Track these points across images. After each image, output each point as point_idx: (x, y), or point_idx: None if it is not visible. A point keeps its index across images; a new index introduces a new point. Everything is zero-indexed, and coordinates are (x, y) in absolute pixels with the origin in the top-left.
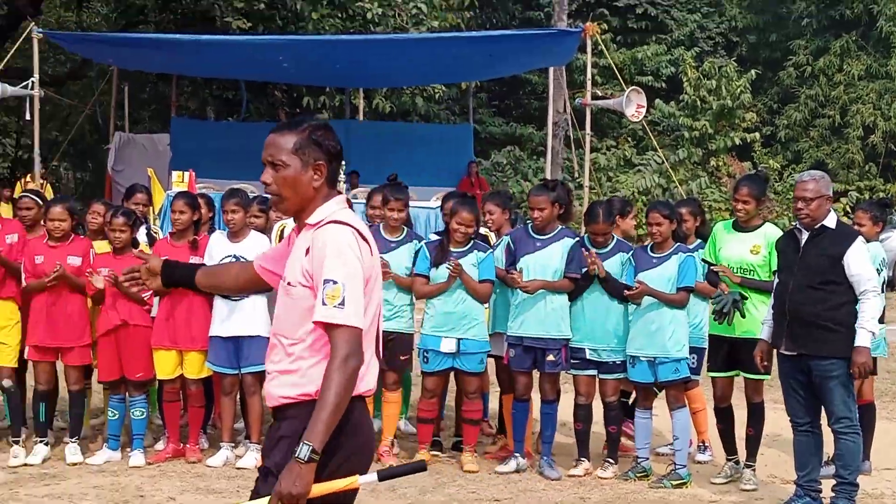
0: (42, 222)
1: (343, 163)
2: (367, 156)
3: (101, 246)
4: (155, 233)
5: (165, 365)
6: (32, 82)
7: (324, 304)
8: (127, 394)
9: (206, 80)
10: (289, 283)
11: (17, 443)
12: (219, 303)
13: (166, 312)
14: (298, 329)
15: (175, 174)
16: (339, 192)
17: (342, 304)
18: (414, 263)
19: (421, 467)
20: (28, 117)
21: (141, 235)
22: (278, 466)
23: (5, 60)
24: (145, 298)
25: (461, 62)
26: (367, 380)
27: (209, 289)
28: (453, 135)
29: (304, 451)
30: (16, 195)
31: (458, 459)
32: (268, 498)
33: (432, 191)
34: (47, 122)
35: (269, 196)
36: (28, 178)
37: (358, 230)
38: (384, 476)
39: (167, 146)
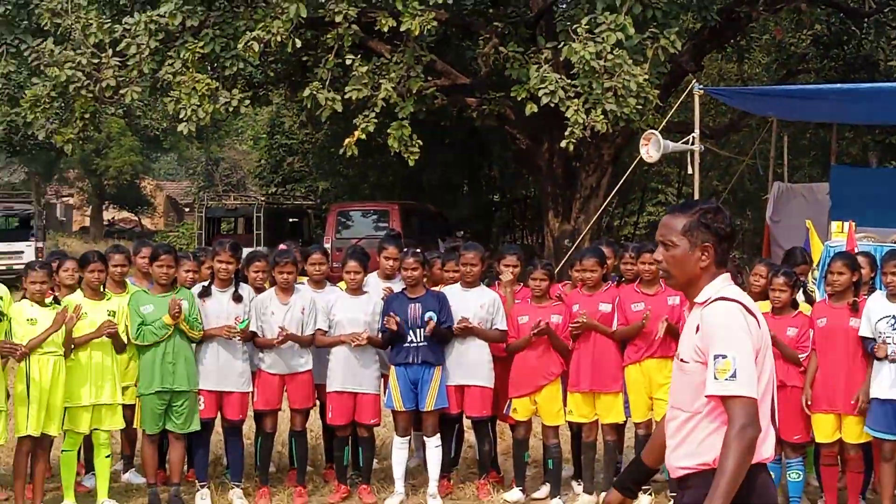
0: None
1: None
2: None
3: None
4: (811, 291)
5: (824, 428)
6: (693, 137)
7: (715, 378)
8: (783, 456)
9: (869, 125)
10: (682, 360)
11: None
12: (877, 365)
13: (823, 374)
14: (694, 402)
15: (834, 224)
16: (728, 271)
17: (733, 376)
18: None
19: None
20: (689, 170)
21: (799, 295)
22: None
23: (668, 116)
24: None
25: None
26: (767, 446)
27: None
28: None
29: None
30: None
31: None
32: None
33: None
34: (707, 172)
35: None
36: None
37: (744, 305)
38: None
39: (826, 195)
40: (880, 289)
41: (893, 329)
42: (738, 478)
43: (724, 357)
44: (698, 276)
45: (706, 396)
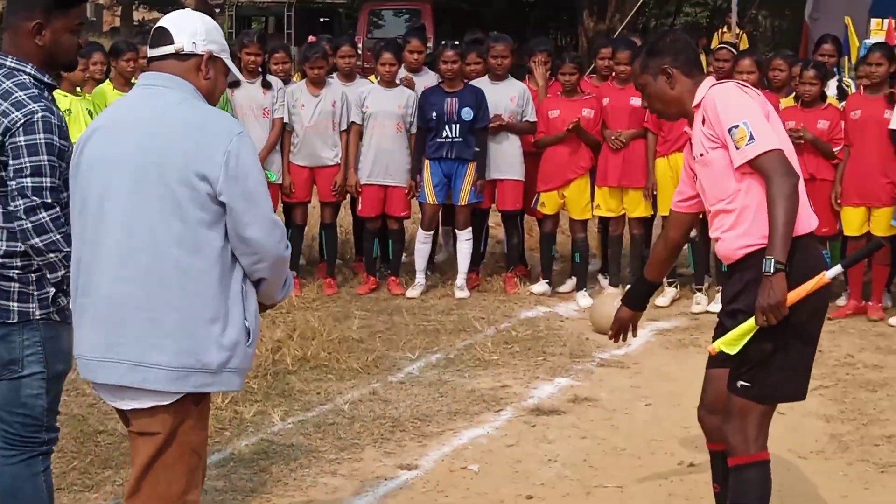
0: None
1: None
2: None
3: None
4: (846, 86)
5: (853, 221)
6: None
7: (737, 148)
8: None
9: None
10: (700, 156)
11: (699, 290)
12: None
13: (855, 167)
14: (728, 188)
15: (874, 21)
16: (711, 75)
17: (751, 138)
18: None
19: (879, 245)
20: None
21: (831, 89)
22: (749, 306)
23: None
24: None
25: None
26: (808, 218)
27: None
28: None
29: (769, 265)
30: (713, 44)
31: None
32: (752, 318)
33: None
34: None
35: None
36: (724, 29)
37: (737, 82)
38: (847, 264)
39: None
40: None
41: None
42: (791, 221)
43: (737, 126)
44: (679, 96)
45: (736, 170)
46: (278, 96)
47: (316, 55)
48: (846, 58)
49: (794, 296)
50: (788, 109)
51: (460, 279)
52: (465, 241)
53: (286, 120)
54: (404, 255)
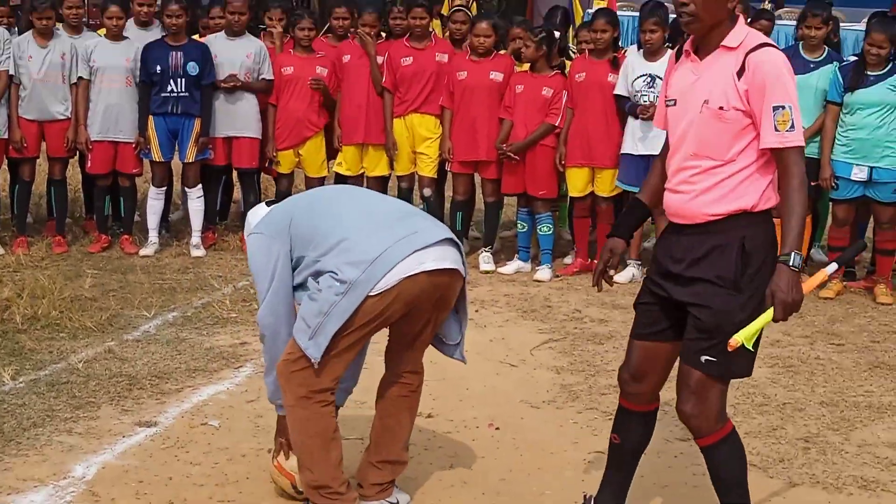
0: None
1: None
2: None
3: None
4: (573, 53)
5: (577, 182)
6: None
7: (776, 130)
8: (533, 210)
9: None
10: (720, 108)
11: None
12: (632, 121)
13: (579, 129)
14: (728, 150)
15: None
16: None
17: (792, 127)
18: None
19: (863, 246)
20: None
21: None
22: (721, 277)
23: None
24: None
25: None
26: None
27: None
28: None
29: (796, 259)
30: (444, 11)
31: (872, 291)
32: (770, 311)
33: (863, 12)
34: None
35: None
36: None
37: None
38: (840, 261)
39: None
40: (636, 48)
41: (650, 87)
42: (804, 225)
43: (784, 108)
44: (724, 18)
45: (763, 148)
46: (3, 47)
47: (44, 5)
48: (570, 26)
49: (807, 289)
50: (518, 74)
51: (195, 237)
52: (196, 199)
53: (12, 73)
54: (137, 213)
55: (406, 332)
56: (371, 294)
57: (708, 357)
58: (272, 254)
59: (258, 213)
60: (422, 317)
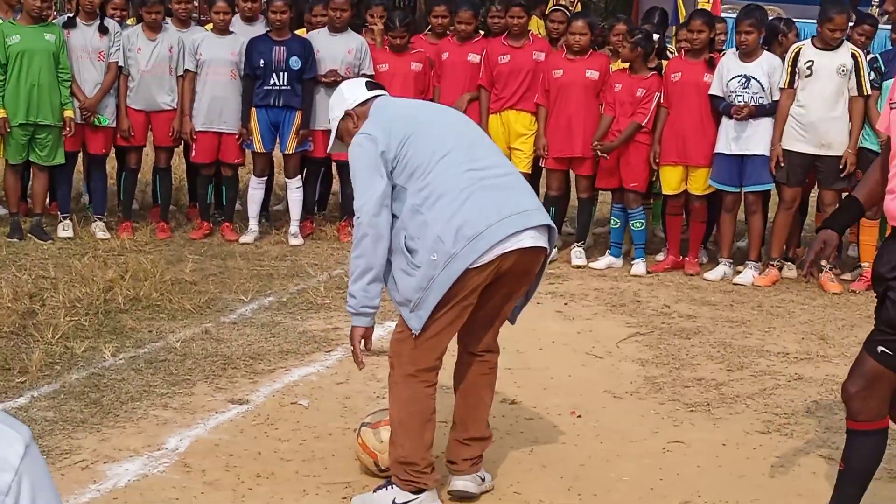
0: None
1: None
2: None
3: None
4: (671, 53)
5: (671, 180)
6: None
7: None
8: (626, 205)
9: None
10: None
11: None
12: (725, 121)
13: (674, 128)
14: None
15: None
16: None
17: None
18: None
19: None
20: None
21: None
22: None
23: None
24: None
25: None
26: None
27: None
28: None
29: None
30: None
31: None
32: None
33: None
34: None
35: None
36: None
37: None
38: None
39: None
40: (734, 49)
41: (744, 88)
42: None
43: None
44: None
45: None
46: (115, 40)
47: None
48: (674, 26)
49: None
50: (617, 73)
51: (293, 226)
52: (295, 189)
53: (121, 64)
54: (238, 202)
55: (486, 304)
56: (471, 267)
57: (884, 349)
58: (379, 162)
59: (356, 91)
60: (504, 289)
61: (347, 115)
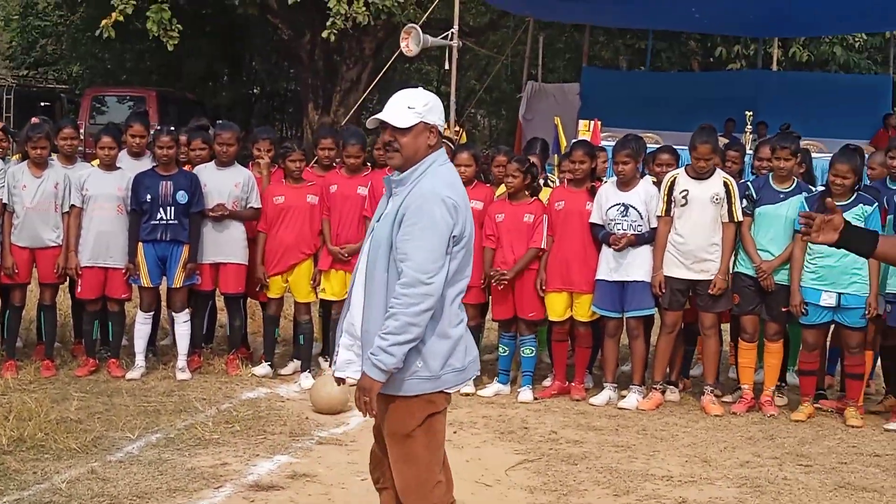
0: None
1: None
2: (777, 106)
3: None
4: (552, 182)
5: (556, 306)
6: (452, 33)
7: None
8: (517, 332)
9: (620, 29)
10: None
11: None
12: (605, 249)
13: (558, 255)
14: None
15: (581, 123)
16: None
17: None
18: None
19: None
20: (447, 67)
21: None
22: None
23: (429, 12)
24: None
25: (890, 8)
26: None
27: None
28: (869, 85)
29: None
30: None
31: (842, 413)
32: None
33: (840, 143)
34: (466, 71)
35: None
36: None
37: None
38: None
39: (576, 95)
40: (613, 178)
41: (623, 216)
42: None
43: None
44: None
45: None
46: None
47: (39, 135)
48: (555, 155)
49: None
50: (498, 203)
51: (181, 361)
52: (182, 324)
53: (5, 201)
54: (125, 337)
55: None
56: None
57: None
58: (450, 242)
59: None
60: None
61: (435, 130)
